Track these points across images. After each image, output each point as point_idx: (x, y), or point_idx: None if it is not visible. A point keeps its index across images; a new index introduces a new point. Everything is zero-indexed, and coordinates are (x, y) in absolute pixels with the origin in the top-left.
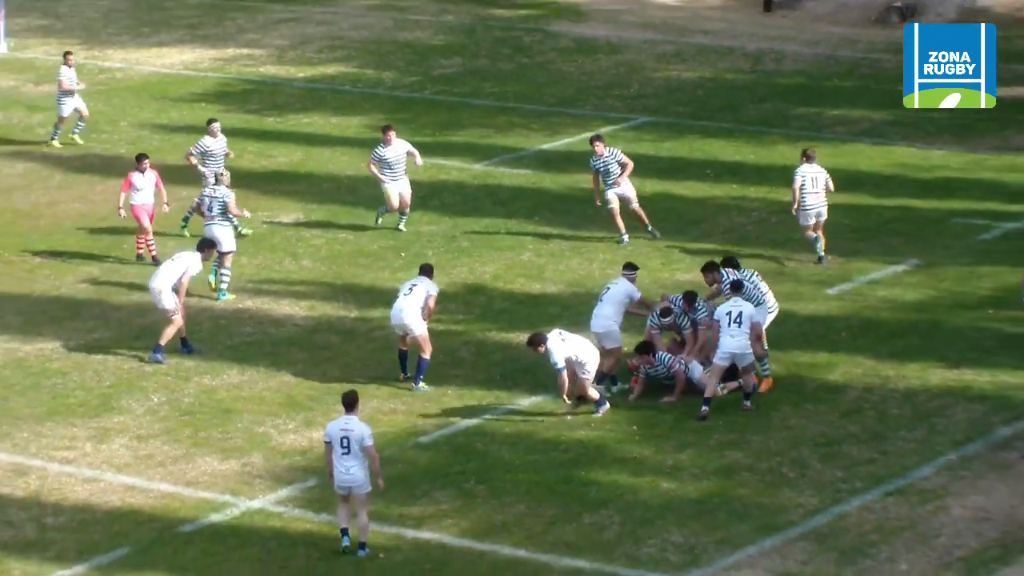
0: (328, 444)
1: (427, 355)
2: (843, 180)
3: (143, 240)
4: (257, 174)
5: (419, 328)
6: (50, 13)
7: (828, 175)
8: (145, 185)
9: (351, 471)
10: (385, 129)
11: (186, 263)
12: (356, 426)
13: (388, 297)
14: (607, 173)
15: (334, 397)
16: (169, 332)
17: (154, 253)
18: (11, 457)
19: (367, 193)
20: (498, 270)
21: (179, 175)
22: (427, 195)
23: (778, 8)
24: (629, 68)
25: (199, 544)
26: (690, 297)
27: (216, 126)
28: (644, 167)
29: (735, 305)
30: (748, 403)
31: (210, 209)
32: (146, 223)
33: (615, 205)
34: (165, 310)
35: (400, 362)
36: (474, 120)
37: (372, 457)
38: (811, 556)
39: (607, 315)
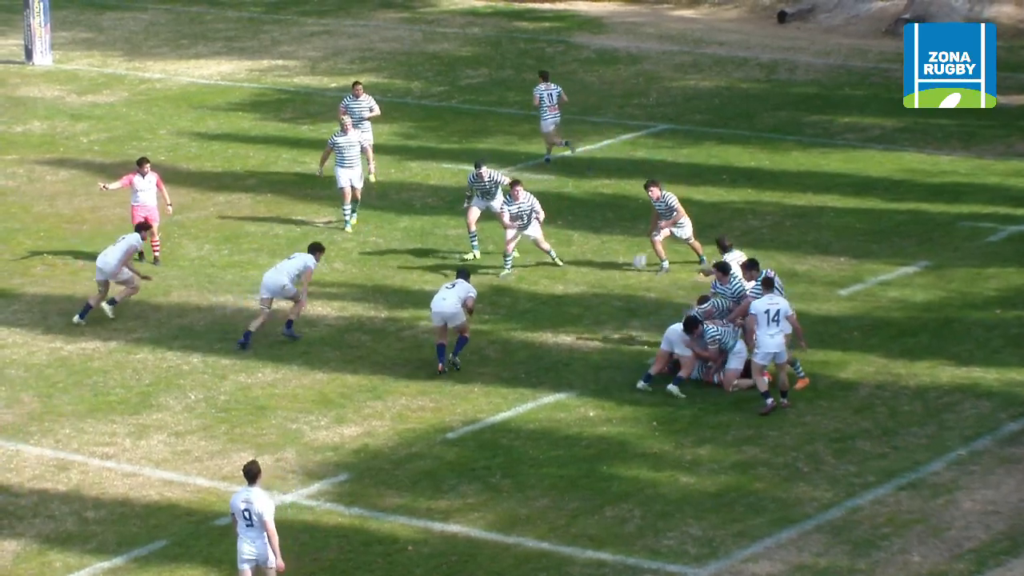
0: (232, 516)
1: (467, 335)
2: (855, 185)
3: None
4: (290, 180)
5: (460, 319)
6: (93, 27)
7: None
8: (146, 187)
9: (256, 544)
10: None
11: (304, 261)
12: (257, 498)
13: (416, 298)
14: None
15: (365, 395)
16: (299, 310)
17: (157, 253)
18: (53, 452)
19: (396, 198)
20: (523, 272)
21: (216, 181)
22: (454, 200)
23: (791, 20)
24: (648, 78)
25: (234, 537)
26: (723, 267)
27: (359, 87)
28: (663, 173)
29: (771, 303)
30: (785, 400)
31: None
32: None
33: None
34: (288, 298)
35: (438, 354)
36: (499, 128)
37: (269, 533)
38: (826, 548)
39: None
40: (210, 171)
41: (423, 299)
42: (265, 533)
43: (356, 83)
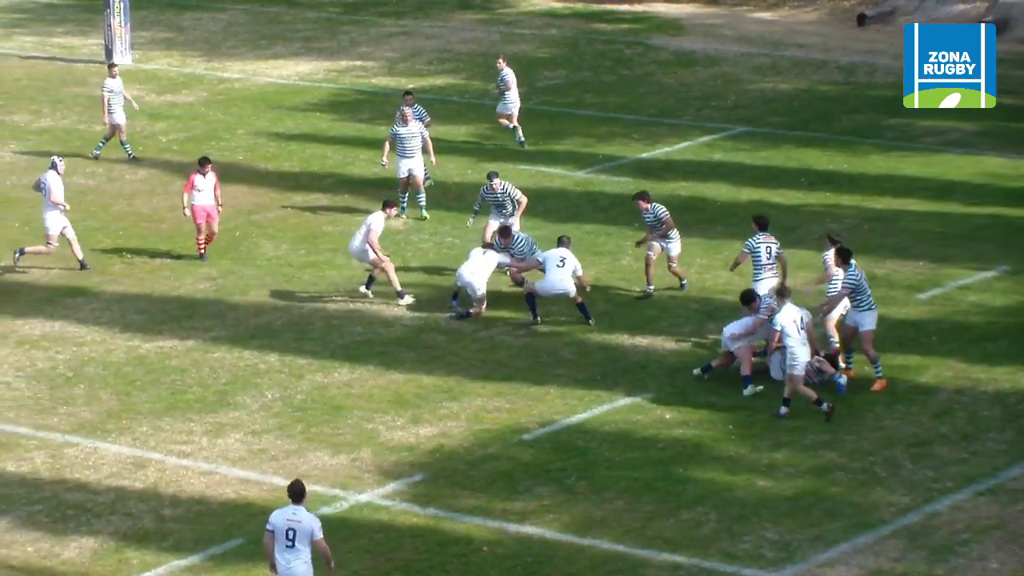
0: (270, 533)
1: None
2: (934, 189)
3: (200, 240)
4: (368, 180)
5: (572, 290)
6: (173, 27)
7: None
8: (206, 187)
9: (291, 565)
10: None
11: (496, 257)
12: (304, 518)
13: (492, 299)
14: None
15: (440, 395)
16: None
17: (202, 250)
18: (131, 450)
19: (472, 200)
20: (599, 274)
21: (293, 181)
22: (531, 201)
23: (871, 22)
24: (726, 80)
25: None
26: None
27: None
28: (740, 175)
29: (799, 312)
30: (784, 409)
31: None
32: (202, 223)
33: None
34: (477, 296)
35: (531, 308)
36: (576, 130)
37: (323, 550)
38: (903, 553)
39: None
40: (288, 171)
41: (499, 300)
42: (301, 556)
43: (407, 92)
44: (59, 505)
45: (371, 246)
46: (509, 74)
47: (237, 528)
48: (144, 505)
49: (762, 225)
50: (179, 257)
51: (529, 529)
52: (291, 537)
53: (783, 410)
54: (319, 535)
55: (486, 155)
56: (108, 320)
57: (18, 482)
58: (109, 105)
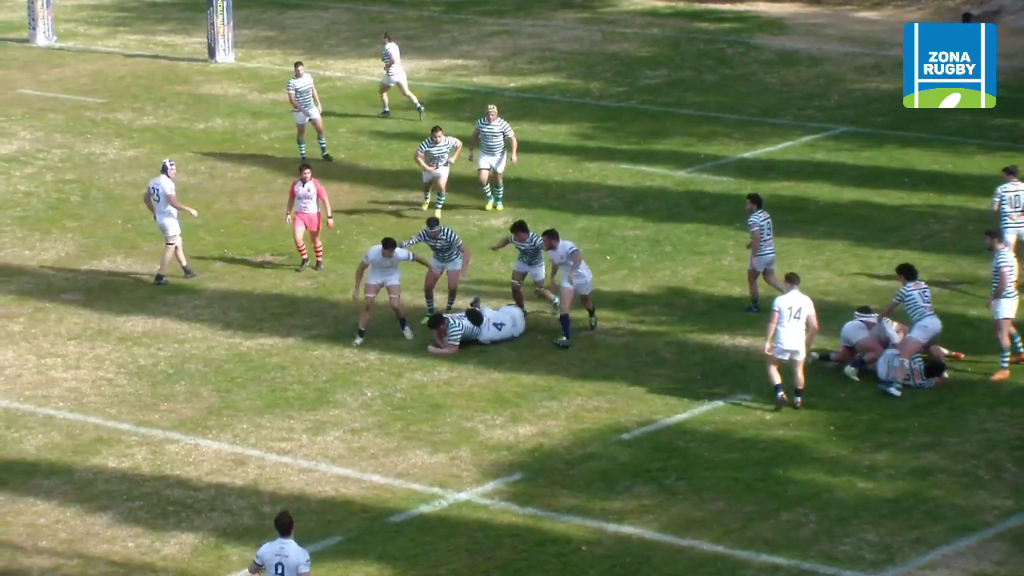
0: (258, 566)
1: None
2: None
3: (300, 247)
4: (469, 179)
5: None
6: (275, 25)
7: None
8: (306, 195)
9: None
10: (434, 129)
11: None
12: (292, 552)
13: (593, 298)
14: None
15: (540, 394)
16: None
17: (320, 258)
18: (231, 447)
19: (573, 199)
20: (699, 273)
21: (394, 179)
22: (632, 200)
23: (976, 21)
24: (829, 79)
25: (408, 534)
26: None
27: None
28: (842, 175)
29: (794, 301)
30: (799, 400)
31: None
32: (299, 233)
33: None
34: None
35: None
36: (678, 129)
37: None
38: (1007, 557)
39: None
40: (388, 169)
41: (600, 299)
42: None
43: (491, 107)
44: (160, 501)
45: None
46: (393, 49)
47: (336, 525)
48: (244, 502)
49: (757, 201)
50: (281, 255)
51: (628, 529)
52: (280, 571)
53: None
54: (306, 569)
55: (587, 155)
56: (209, 317)
57: (119, 478)
58: (298, 103)
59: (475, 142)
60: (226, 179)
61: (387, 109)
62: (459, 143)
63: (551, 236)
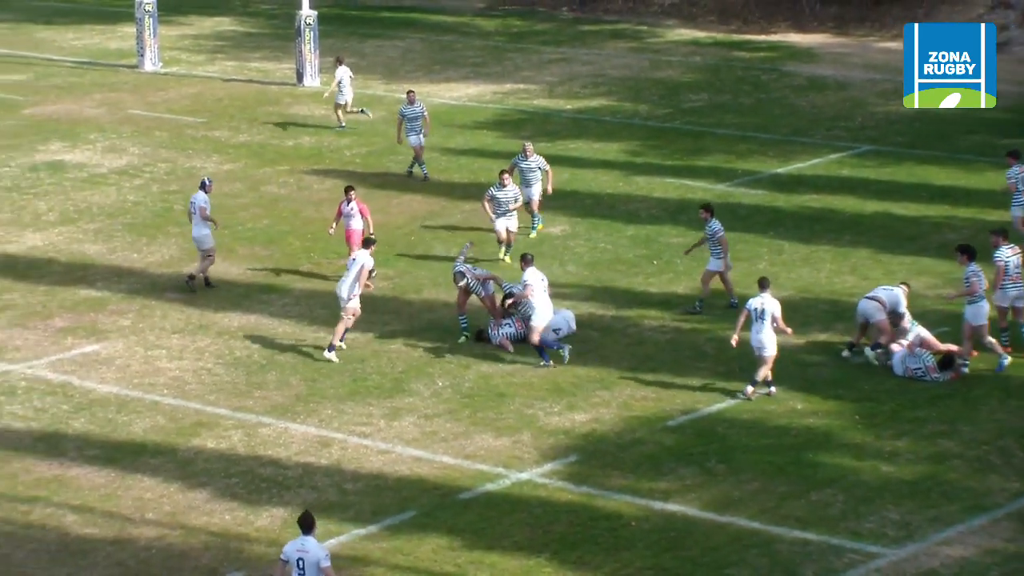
0: (284, 563)
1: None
2: None
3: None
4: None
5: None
6: (356, 53)
7: None
8: (350, 213)
9: None
10: (502, 173)
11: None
12: (312, 547)
13: (641, 298)
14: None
15: (594, 384)
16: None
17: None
18: (317, 431)
19: (623, 209)
20: (737, 277)
21: (462, 191)
22: (676, 211)
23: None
24: (854, 103)
25: (475, 509)
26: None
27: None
28: (866, 189)
29: (773, 303)
30: (773, 389)
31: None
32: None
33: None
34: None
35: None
36: (717, 147)
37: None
38: (1016, 534)
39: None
40: (457, 182)
41: (647, 299)
42: None
43: (527, 143)
44: (253, 478)
45: (359, 282)
46: (343, 72)
47: (411, 501)
48: (328, 479)
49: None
50: None
51: (673, 506)
52: (300, 566)
53: (772, 390)
54: (326, 563)
55: (635, 169)
56: (297, 314)
57: (217, 457)
58: (406, 128)
59: (511, 174)
60: (312, 191)
61: (343, 124)
62: (547, 166)
63: (524, 259)
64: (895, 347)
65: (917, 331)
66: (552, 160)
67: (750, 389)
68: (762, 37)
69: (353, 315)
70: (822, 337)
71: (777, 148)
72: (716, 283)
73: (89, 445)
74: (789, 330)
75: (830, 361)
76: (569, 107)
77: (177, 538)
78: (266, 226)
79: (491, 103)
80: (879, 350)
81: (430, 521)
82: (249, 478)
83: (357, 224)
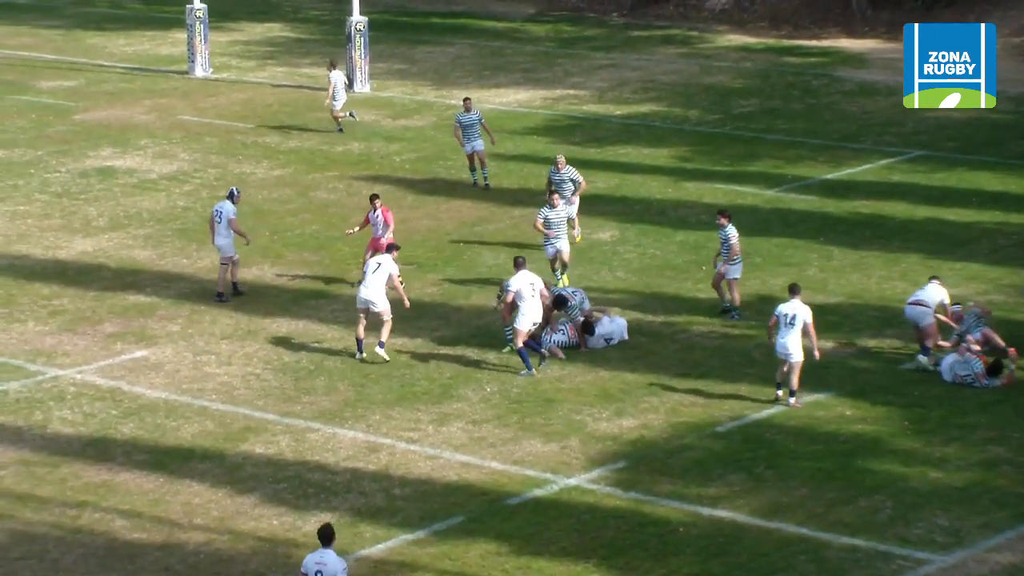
0: (303, 575)
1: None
2: None
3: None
4: (580, 197)
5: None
6: (407, 59)
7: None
8: (375, 221)
9: None
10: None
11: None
12: (331, 561)
13: (690, 304)
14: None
15: (642, 390)
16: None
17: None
18: (365, 436)
19: (673, 215)
20: (787, 283)
21: (512, 197)
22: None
23: None
24: (904, 108)
25: (523, 515)
26: None
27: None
28: (917, 195)
29: (791, 308)
30: (793, 400)
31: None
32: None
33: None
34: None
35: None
36: (767, 152)
37: None
38: None
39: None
40: (507, 188)
41: (696, 305)
42: None
43: (559, 156)
44: (301, 484)
45: (396, 288)
46: (337, 76)
47: (458, 507)
48: (376, 485)
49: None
50: (409, 264)
51: (721, 512)
52: None
53: (793, 400)
54: None
55: (685, 175)
56: (346, 320)
57: (266, 463)
58: (465, 136)
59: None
60: (362, 196)
61: (341, 128)
62: (580, 178)
63: (516, 263)
64: (951, 354)
65: (983, 329)
66: (602, 166)
67: (793, 400)
68: (813, 42)
69: (389, 316)
70: (871, 343)
71: (827, 153)
72: (744, 289)
73: (138, 450)
74: (816, 339)
75: (879, 367)
76: (619, 113)
77: (225, 543)
78: (315, 232)
79: (541, 109)
80: (928, 356)
81: (478, 526)
82: (297, 483)
83: (382, 231)
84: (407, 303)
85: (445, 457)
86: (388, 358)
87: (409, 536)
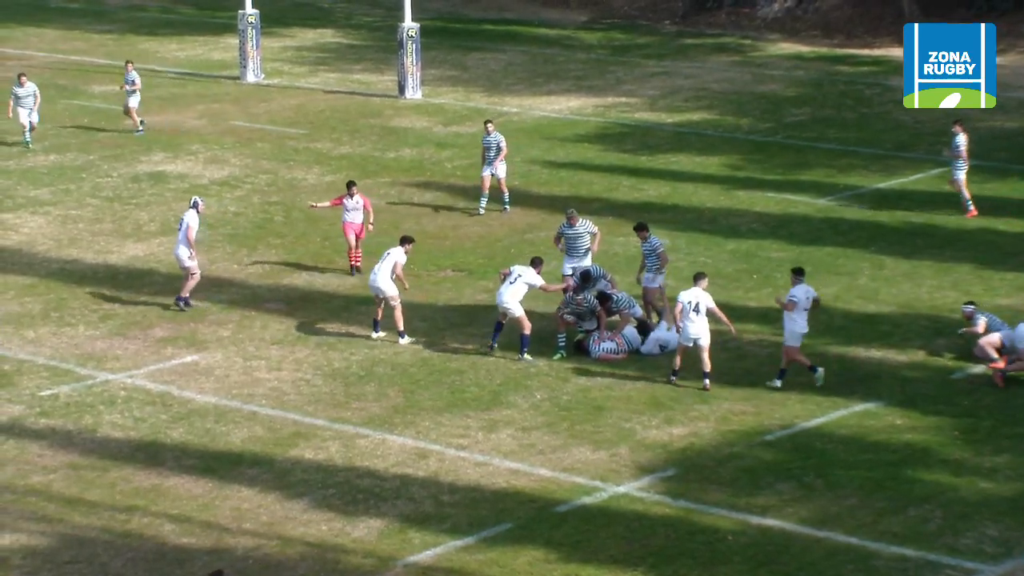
0: None
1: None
2: None
3: (353, 255)
4: (630, 205)
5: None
6: (459, 65)
7: None
8: (353, 207)
9: None
10: (570, 215)
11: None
12: None
13: (741, 312)
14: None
15: (692, 398)
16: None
17: (358, 264)
18: (415, 442)
19: (724, 223)
20: (837, 292)
21: (563, 204)
22: (777, 225)
23: None
24: (957, 118)
25: (572, 522)
26: None
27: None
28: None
29: (693, 295)
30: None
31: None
32: (352, 239)
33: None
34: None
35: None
36: (819, 161)
37: None
38: None
39: None
40: (558, 195)
41: (747, 314)
42: None
43: (571, 211)
44: (350, 489)
45: (399, 278)
46: None
47: (507, 513)
48: (425, 491)
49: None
50: (460, 270)
51: (770, 521)
52: None
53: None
54: None
55: (737, 184)
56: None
57: (315, 468)
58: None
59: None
60: (413, 202)
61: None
62: (595, 229)
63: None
64: None
65: None
66: (654, 174)
67: (707, 382)
68: (865, 51)
69: (397, 301)
70: (922, 353)
71: (879, 163)
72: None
73: (187, 455)
74: (725, 318)
75: (930, 377)
76: (671, 121)
77: (274, 548)
78: (366, 238)
79: (593, 116)
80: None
81: (527, 533)
82: (346, 489)
83: (357, 217)
84: (406, 286)
85: (494, 464)
86: (410, 340)
87: (458, 543)
